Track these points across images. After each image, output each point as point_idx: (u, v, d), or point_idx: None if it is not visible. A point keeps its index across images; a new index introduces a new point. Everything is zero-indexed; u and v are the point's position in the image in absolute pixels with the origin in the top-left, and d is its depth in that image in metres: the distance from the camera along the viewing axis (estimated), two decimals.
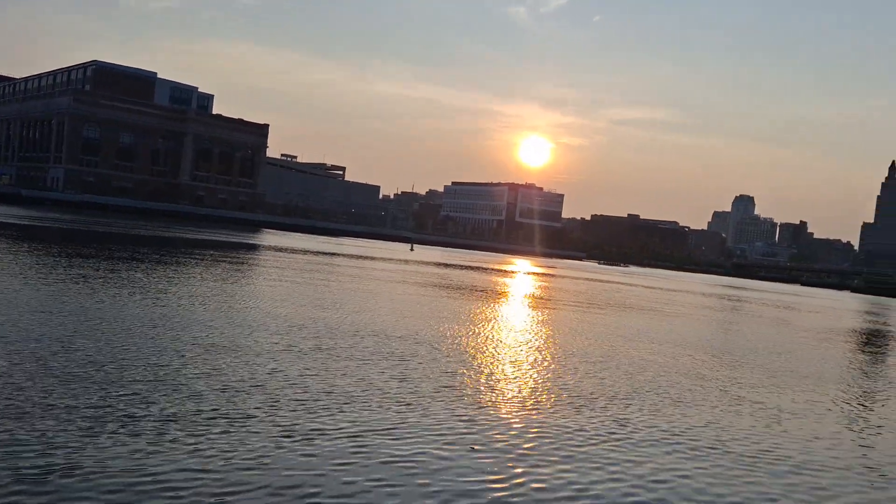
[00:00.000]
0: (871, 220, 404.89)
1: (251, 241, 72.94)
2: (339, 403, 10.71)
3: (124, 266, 29.15)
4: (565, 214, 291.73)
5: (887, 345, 36.88)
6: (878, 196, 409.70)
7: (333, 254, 66.18)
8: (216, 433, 8.63)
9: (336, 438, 8.94)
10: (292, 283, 30.88)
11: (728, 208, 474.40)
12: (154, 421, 8.85)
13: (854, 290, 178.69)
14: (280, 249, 61.71)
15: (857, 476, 10.15)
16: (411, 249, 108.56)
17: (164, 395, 10.08)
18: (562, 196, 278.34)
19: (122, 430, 8.33)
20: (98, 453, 7.53)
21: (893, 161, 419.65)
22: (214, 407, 9.74)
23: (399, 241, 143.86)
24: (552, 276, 74.89)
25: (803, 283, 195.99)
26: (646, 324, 30.09)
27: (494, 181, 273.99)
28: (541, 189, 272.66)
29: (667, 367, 17.99)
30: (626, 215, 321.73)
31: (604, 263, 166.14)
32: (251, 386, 11.14)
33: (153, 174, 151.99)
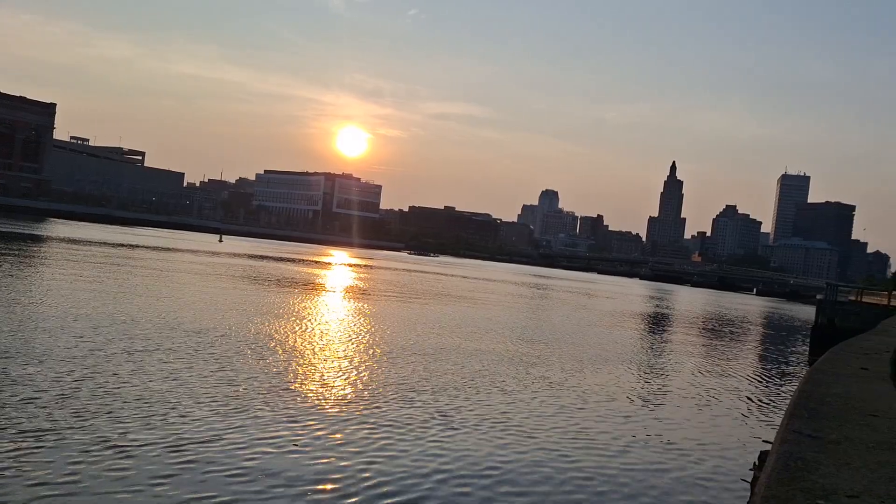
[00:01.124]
0: (656, 214, 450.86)
1: (37, 232, 65.28)
2: (159, 412, 9.59)
3: None
4: (384, 206, 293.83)
5: (671, 326, 40.99)
6: (661, 192, 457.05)
7: (134, 245, 61.08)
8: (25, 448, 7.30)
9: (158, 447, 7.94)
10: (91, 279, 27.85)
11: (536, 202, 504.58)
12: None
13: (642, 278, 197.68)
14: (73, 241, 55.78)
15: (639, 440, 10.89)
16: (220, 241, 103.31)
17: None
18: (380, 187, 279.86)
19: None
20: None
21: (674, 161, 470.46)
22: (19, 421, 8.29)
23: (207, 232, 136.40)
24: (370, 267, 74.84)
25: (599, 272, 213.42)
26: (464, 313, 30.79)
27: (310, 170, 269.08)
28: (359, 179, 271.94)
29: (486, 356, 18.37)
30: (443, 207, 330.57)
31: (413, 253, 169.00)
32: (58, 396, 9.68)
33: None
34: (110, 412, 9.37)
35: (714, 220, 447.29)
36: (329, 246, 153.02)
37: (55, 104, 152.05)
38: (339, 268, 66.24)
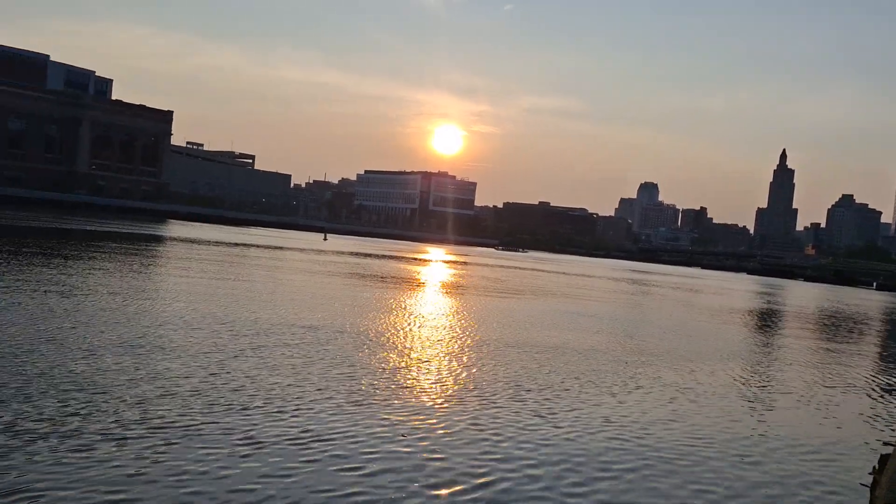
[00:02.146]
0: (765, 206, 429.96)
1: (158, 233, 69.95)
2: (286, 406, 10.43)
3: (23, 262, 27.31)
4: (478, 202, 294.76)
5: (783, 322, 39.30)
6: (770, 182, 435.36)
7: (246, 245, 64.36)
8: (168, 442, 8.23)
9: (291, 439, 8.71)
10: (210, 276, 29.82)
11: (634, 195, 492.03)
12: (118, 432, 8.33)
13: (750, 272, 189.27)
14: (190, 241, 59.47)
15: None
16: (325, 239, 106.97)
17: (110, 403, 9.51)
18: (474, 184, 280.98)
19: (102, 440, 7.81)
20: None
21: (784, 149, 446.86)
22: (161, 415, 9.31)
23: (312, 231, 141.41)
24: (467, 263, 75.58)
25: (703, 266, 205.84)
26: (564, 310, 30.81)
27: (408, 170, 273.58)
28: (454, 177, 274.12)
29: (590, 354, 18.46)
30: (537, 202, 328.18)
31: (501, 248, 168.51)
32: (192, 390, 10.70)
33: (47, 162, 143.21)
34: (243, 407, 10.14)
35: (829, 210, 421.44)
36: (426, 243, 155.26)
37: (172, 112, 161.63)
38: (437, 264, 67.33)
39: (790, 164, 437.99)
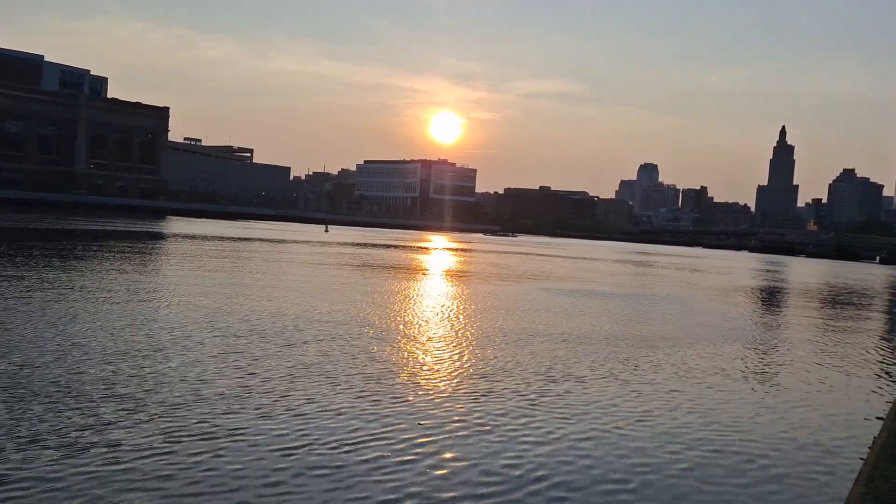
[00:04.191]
0: (765, 183, 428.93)
1: (160, 230, 69.97)
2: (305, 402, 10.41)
3: (26, 264, 27.30)
4: (479, 189, 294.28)
5: (785, 299, 39.29)
6: (771, 160, 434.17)
7: (248, 239, 64.38)
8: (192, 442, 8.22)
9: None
10: (214, 271, 29.80)
11: (634, 177, 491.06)
12: (151, 436, 8.32)
13: (751, 250, 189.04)
14: (192, 237, 59.47)
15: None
16: (326, 230, 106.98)
17: (149, 408, 9.51)
18: (474, 171, 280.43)
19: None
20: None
21: (783, 126, 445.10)
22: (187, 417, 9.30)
23: (313, 223, 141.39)
24: (470, 250, 75.56)
25: (704, 246, 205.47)
26: (567, 294, 30.79)
27: (407, 158, 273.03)
28: (453, 165, 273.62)
29: (596, 337, 18.44)
30: (537, 187, 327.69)
31: (490, 234, 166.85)
32: (203, 384, 10.67)
33: (45, 163, 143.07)
34: (258, 408, 10.06)
35: (830, 185, 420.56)
36: (427, 231, 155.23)
37: (168, 108, 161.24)
38: (441, 253, 67.31)
39: (790, 140, 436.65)
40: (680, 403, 11.69)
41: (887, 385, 14.98)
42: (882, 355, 19.27)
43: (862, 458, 9.04)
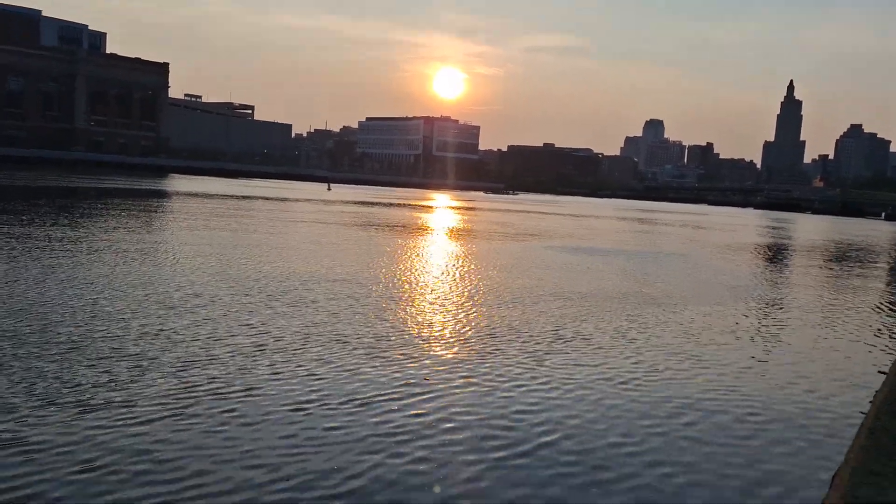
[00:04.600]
0: (772, 139, 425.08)
1: (161, 188, 69.86)
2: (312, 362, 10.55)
3: (33, 222, 27.38)
4: (482, 146, 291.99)
5: (789, 256, 39.32)
6: (778, 115, 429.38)
7: (251, 197, 64.28)
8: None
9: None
10: (220, 229, 29.86)
11: (639, 133, 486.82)
12: (161, 393, 8.47)
13: (757, 207, 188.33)
14: (195, 195, 59.41)
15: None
16: (329, 189, 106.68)
17: (163, 366, 9.65)
18: (477, 128, 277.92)
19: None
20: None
21: (791, 81, 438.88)
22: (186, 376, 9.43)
23: (315, 181, 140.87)
24: (474, 209, 75.43)
25: (710, 203, 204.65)
26: (571, 252, 30.85)
27: (409, 115, 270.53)
28: (456, 121, 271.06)
29: (600, 296, 18.55)
30: (541, 144, 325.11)
31: (490, 192, 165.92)
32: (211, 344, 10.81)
33: (45, 120, 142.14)
34: (270, 366, 10.19)
35: (837, 141, 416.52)
36: (430, 189, 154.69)
37: (168, 63, 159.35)
38: (443, 211, 67.22)
39: (798, 95, 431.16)
40: (686, 361, 11.81)
41: (891, 341, 15.09)
42: (886, 312, 19.37)
43: (863, 413, 9.18)
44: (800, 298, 20.78)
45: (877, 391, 9.89)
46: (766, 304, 19.33)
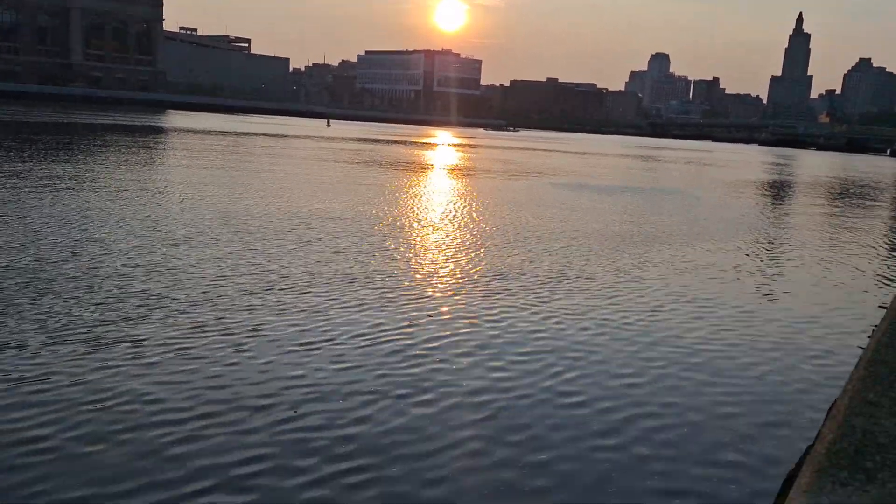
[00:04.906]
0: (779, 73, 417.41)
1: (159, 124, 69.16)
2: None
3: (34, 158, 27.22)
4: (484, 81, 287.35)
5: (790, 193, 39.19)
6: (786, 48, 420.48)
7: (250, 134, 63.70)
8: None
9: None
10: (222, 167, 29.71)
11: (644, 67, 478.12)
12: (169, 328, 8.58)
13: (761, 144, 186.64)
14: (194, 132, 58.87)
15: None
16: (328, 125, 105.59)
17: (170, 304, 9.75)
18: (479, 62, 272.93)
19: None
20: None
21: (800, 12, 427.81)
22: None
23: (314, 118, 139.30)
24: (476, 146, 74.76)
25: (714, 139, 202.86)
26: (572, 190, 30.74)
27: (410, 49, 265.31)
28: (458, 55, 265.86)
29: (599, 235, 18.59)
30: (545, 79, 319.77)
31: (489, 129, 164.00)
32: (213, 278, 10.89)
33: (41, 55, 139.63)
34: (278, 303, 10.31)
35: (845, 76, 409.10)
36: (431, 126, 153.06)
37: None
38: (445, 148, 66.67)
39: (806, 28, 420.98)
40: (691, 298, 11.89)
41: (892, 276, 15.20)
42: (888, 248, 19.43)
43: (861, 348, 9.32)
44: (801, 235, 20.82)
45: (876, 325, 10.03)
46: (769, 241, 19.37)
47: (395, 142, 68.96)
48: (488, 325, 9.65)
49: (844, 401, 4.18)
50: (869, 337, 9.65)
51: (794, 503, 3.14)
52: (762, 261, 16.18)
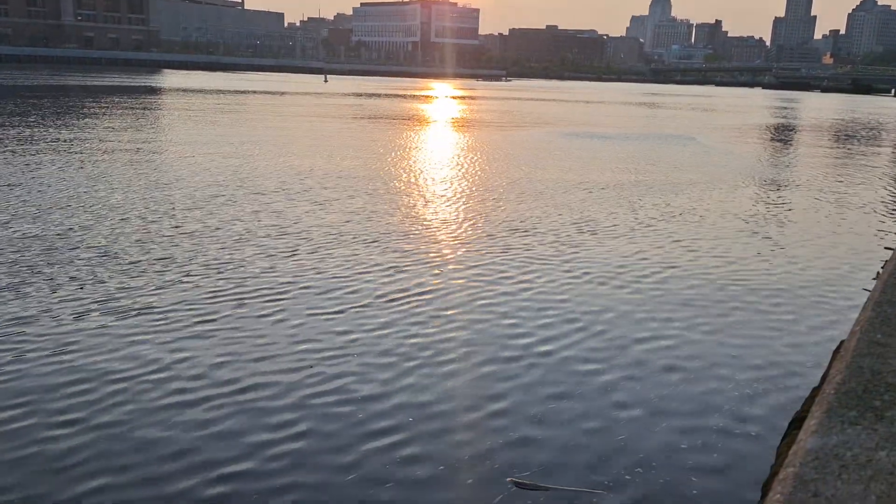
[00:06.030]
0: (782, 14, 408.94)
1: (157, 84, 68.51)
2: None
3: (39, 123, 27.19)
4: (482, 31, 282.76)
5: (793, 137, 39.02)
6: None
7: (248, 91, 63.16)
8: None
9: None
10: (226, 126, 29.65)
11: (646, 11, 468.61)
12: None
13: (764, 87, 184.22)
14: (191, 91, 58.40)
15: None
16: (325, 81, 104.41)
17: (190, 268, 9.97)
18: (477, 10, 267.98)
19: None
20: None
21: None
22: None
23: (311, 73, 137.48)
24: (474, 98, 74.04)
25: (717, 84, 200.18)
26: (572, 139, 30.68)
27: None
28: (455, 4, 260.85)
29: (599, 186, 18.69)
30: (544, 27, 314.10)
31: (482, 79, 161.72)
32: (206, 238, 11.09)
33: (31, 16, 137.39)
34: (298, 266, 10.56)
35: (850, 15, 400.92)
36: (430, 78, 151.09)
37: None
38: (445, 101, 66.08)
39: None
40: (700, 246, 12.04)
41: None
42: (891, 191, 19.53)
43: (866, 290, 9.56)
44: (806, 178, 20.91)
45: (883, 265, 10.25)
46: (774, 185, 19.48)
47: (395, 96, 68.35)
48: (503, 282, 9.81)
49: (852, 341, 4.42)
50: (873, 279, 9.90)
51: (803, 443, 3.34)
52: (769, 208, 16.32)
